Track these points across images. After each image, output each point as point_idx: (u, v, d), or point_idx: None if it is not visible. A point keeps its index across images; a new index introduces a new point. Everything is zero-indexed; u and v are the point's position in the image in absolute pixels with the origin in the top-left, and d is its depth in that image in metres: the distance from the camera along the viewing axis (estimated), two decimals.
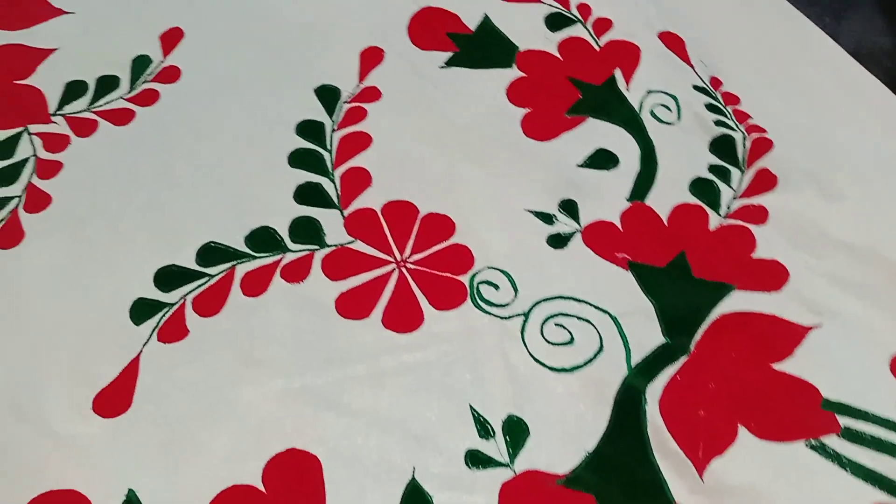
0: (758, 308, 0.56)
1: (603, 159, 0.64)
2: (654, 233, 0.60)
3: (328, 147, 0.64)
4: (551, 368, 0.54)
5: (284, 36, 0.71)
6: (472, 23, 0.72)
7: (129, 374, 0.53)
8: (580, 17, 0.73)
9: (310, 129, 0.65)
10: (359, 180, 0.62)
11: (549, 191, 0.62)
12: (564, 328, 0.55)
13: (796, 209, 0.61)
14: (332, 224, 0.60)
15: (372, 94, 0.67)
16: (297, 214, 0.60)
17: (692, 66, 0.70)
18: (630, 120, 0.66)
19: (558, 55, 0.70)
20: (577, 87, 0.68)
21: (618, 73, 0.69)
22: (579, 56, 0.70)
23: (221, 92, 0.67)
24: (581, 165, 0.63)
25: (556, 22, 0.72)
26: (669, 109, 0.67)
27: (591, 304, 0.56)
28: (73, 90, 0.67)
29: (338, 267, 0.58)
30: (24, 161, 0.62)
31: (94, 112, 0.65)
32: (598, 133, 0.65)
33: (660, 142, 0.65)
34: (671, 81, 0.69)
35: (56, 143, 0.64)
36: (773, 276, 0.58)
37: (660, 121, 0.66)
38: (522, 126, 0.66)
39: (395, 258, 0.58)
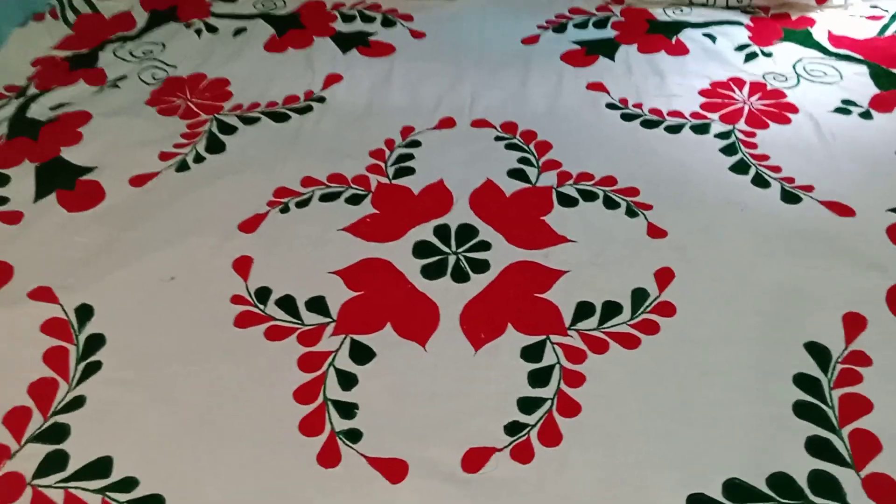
0: None
1: None
2: None
3: (829, 403, 0.68)
4: None
5: (769, 296, 0.78)
6: None
7: None
8: None
9: (806, 384, 0.70)
10: (868, 445, 0.65)
11: None
12: None
13: None
14: (850, 484, 0.62)
15: (863, 359, 0.71)
16: (812, 466, 0.63)
17: None
18: None
19: None
20: None
21: None
22: None
23: (716, 337, 0.75)
24: None
25: None
26: None
27: None
28: (583, 310, 0.77)
29: None
30: (552, 367, 0.72)
31: (604, 332, 0.75)
32: None
33: None
34: None
35: (575, 355, 0.73)
36: None
37: None
38: None
39: None
